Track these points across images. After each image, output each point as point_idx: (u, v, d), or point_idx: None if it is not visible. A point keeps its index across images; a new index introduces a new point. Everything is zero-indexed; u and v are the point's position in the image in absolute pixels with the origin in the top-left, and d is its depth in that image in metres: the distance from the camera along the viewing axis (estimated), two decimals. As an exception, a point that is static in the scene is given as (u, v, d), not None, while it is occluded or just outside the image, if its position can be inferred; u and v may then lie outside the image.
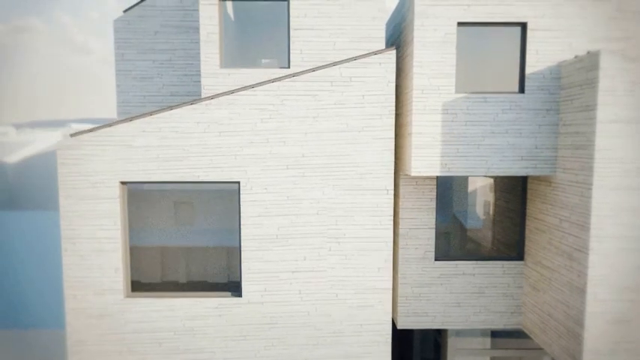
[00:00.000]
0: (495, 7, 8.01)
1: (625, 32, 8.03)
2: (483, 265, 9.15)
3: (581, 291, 7.39)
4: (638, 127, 7.15)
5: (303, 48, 8.09)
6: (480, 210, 9.32)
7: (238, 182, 7.72)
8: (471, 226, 9.31)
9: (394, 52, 7.74)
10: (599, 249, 7.27)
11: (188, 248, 8.21)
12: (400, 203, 8.96)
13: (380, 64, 7.74)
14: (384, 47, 8.09)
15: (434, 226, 9.03)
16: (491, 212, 9.31)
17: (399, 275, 9.08)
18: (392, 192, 7.97)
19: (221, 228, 8.18)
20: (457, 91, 8.15)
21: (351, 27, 8.11)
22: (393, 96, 7.81)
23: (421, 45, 7.99)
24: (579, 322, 7.43)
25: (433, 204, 9.02)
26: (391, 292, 8.21)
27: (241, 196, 7.69)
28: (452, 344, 10.09)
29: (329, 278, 7.95)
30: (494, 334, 10.21)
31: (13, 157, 30.87)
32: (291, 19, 8.07)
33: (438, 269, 9.15)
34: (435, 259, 9.16)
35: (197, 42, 9.41)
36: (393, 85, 7.79)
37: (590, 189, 7.26)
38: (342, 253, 7.92)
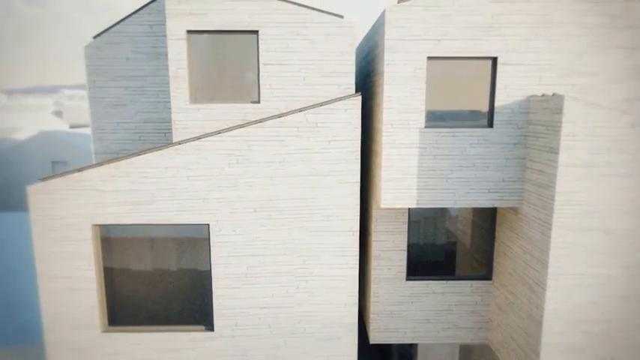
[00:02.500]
0: (466, 42, 7.95)
1: (595, 67, 8.03)
2: (453, 284, 9.49)
3: (539, 323, 7.74)
4: (597, 170, 7.28)
5: (272, 83, 8.07)
6: (452, 229, 9.54)
7: (208, 224, 7.89)
8: (444, 245, 9.56)
9: (359, 98, 7.73)
10: (556, 286, 7.56)
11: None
12: (373, 226, 9.18)
13: (345, 110, 7.73)
14: (352, 82, 8.07)
15: (405, 248, 9.30)
16: (464, 232, 9.53)
17: (372, 294, 9.41)
18: (357, 233, 8.15)
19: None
20: (426, 126, 8.21)
21: (321, 62, 8.06)
22: (359, 141, 7.86)
23: (391, 80, 7.99)
24: (535, 351, 7.83)
25: (405, 227, 9.25)
26: (357, 326, 8.52)
27: (211, 237, 7.87)
28: (422, 355, 10.60)
29: (296, 313, 8.24)
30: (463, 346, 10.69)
31: (19, 135, 29.80)
32: (260, 53, 8.00)
33: (409, 288, 9.49)
34: (407, 279, 9.49)
35: (168, 68, 9.31)
36: (359, 130, 7.83)
37: (550, 229, 7.48)
38: (309, 291, 8.18)
